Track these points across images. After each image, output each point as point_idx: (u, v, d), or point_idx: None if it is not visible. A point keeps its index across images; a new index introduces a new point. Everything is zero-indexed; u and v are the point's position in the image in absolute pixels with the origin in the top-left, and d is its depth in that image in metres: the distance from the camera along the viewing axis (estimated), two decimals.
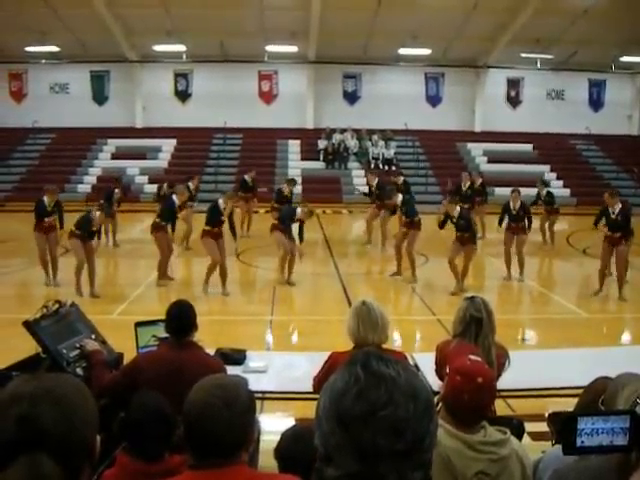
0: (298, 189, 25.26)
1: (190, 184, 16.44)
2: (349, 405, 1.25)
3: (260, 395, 5.30)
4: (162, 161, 26.97)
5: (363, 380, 1.27)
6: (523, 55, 26.98)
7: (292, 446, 2.88)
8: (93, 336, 4.58)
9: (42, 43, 25.46)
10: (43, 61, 27.51)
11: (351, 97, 29.63)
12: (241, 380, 2.48)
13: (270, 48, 26.97)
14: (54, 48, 26.45)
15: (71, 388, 1.48)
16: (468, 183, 17.50)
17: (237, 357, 5.71)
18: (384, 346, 4.18)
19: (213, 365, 3.88)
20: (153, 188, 23.44)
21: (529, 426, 4.35)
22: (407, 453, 1.25)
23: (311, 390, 4.31)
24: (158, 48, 26.77)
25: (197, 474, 2.15)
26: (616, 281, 11.75)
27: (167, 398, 3.25)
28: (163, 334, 4.28)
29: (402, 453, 1.24)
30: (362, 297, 4.44)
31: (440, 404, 2.80)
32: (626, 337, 9.89)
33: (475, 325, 4.32)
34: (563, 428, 1.53)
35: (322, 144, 27.26)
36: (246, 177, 18.56)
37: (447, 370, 2.89)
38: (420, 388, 1.30)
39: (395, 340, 8.38)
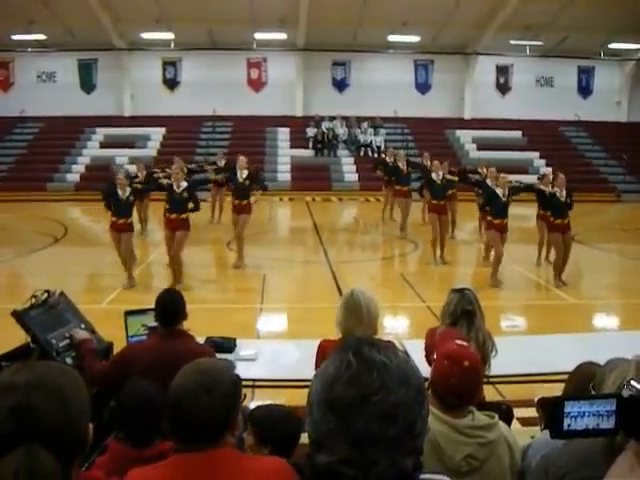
0: (287, 177, 25.36)
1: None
2: (341, 391, 1.26)
3: (251, 383, 5.30)
4: (151, 149, 26.81)
5: (355, 366, 1.28)
6: (512, 42, 26.98)
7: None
8: (82, 325, 4.57)
9: (29, 32, 25.26)
10: (30, 50, 27.26)
11: (340, 84, 29.56)
12: (225, 364, 2.52)
13: (259, 35, 26.85)
14: (41, 36, 26.26)
15: (64, 377, 1.48)
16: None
17: (227, 345, 5.72)
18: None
19: (203, 354, 3.87)
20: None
21: (518, 412, 4.39)
22: (399, 439, 1.26)
23: (301, 377, 4.32)
24: (146, 36, 26.63)
25: (182, 457, 2.17)
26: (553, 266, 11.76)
27: (158, 387, 3.26)
28: (153, 323, 4.28)
29: (394, 439, 1.25)
30: (352, 285, 4.41)
31: (429, 389, 2.82)
32: (613, 323, 9.95)
33: (466, 318, 4.32)
34: (550, 412, 1.55)
35: (311, 132, 27.21)
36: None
37: (435, 355, 2.91)
38: (411, 374, 1.32)
39: (385, 327, 8.40)
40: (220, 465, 2.16)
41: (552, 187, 11.81)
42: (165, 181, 11.69)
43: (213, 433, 2.20)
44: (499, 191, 11.44)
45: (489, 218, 11.62)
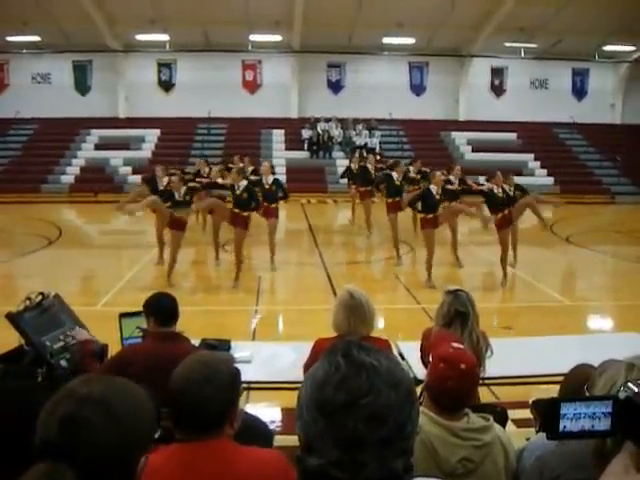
0: (282, 179, 25.33)
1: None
2: (331, 394, 1.26)
3: (246, 385, 5.29)
4: (146, 151, 26.82)
5: (344, 369, 1.28)
6: (507, 44, 27.06)
7: None
8: (77, 327, 4.55)
9: (23, 33, 25.22)
10: (24, 51, 27.23)
11: (335, 86, 29.59)
12: (224, 357, 2.60)
13: (254, 37, 26.88)
14: (35, 38, 26.22)
15: (130, 398, 1.45)
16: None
17: (222, 347, 5.70)
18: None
19: None
20: (137, 179, 23.44)
21: (513, 413, 4.38)
22: (389, 441, 1.26)
23: (297, 380, 4.30)
24: (141, 37, 26.64)
25: (182, 447, 2.23)
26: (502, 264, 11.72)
27: (153, 390, 3.26)
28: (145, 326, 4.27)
29: (384, 441, 1.25)
30: (346, 286, 4.40)
31: (423, 392, 2.82)
32: (608, 324, 9.97)
33: (460, 320, 4.31)
34: (546, 413, 1.55)
35: (306, 134, 27.24)
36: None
37: (430, 358, 2.91)
38: (401, 376, 1.31)
39: (380, 329, 8.40)
40: (219, 455, 2.21)
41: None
42: (228, 181, 11.87)
43: (215, 423, 2.26)
44: (433, 188, 11.50)
45: (421, 215, 11.67)
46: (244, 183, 11.29)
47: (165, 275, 11.13)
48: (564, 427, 1.52)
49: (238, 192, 11.14)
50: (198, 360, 2.41)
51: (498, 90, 30.19)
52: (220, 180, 12.90)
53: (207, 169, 14.81)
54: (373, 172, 16.22)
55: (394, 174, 13.77)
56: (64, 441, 1.33)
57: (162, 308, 4.14)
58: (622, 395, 1.51)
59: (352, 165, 17.68)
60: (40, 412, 1.43)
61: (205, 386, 2.27)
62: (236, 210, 11.14)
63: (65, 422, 1.34)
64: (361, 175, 16.52)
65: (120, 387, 1.48)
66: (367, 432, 1.24)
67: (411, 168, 14.67)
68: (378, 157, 20.72)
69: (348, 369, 1.28)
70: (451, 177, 13.36)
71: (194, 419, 2.25)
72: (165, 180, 12.59)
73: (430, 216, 11.38)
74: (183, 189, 11.17)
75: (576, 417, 1.51)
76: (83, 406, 1.36)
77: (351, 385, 1.26)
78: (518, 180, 17.09)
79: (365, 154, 20.16)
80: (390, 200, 13.47)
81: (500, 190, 11.40)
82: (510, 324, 9.64)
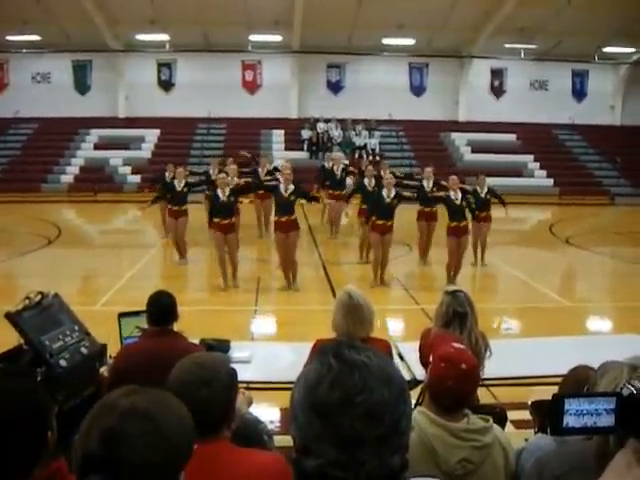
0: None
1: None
2: (325, 394, 1.26)
3: (245, 386, 5.29)
4: (145, 151, 26.80)
5: (336, 368, 1.28)
6: (507, 45, 27.05)
7: None
8: (76, 327, 4.55)
9: (23, 32, 25.19)
10: (24, 50, 27.19)
11: (335, 87, 29.58)
12: (221, 358, 2.56)
13: (254, 38, 26.89)
14: (35, 37, 26.17)
15: (172, 411, 1.44)
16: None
17: (221, 347, 5.71)
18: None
19: (194, 352, 3.88)
20: (136, 179, 23.48)
21: (512, 414, 4.38)
22: (385, 437, 1.26)
23: (295, 380, 4.30)
24: (141, 37, 26.64)
25: None
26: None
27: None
28: (146, 325, 4.28)
29: (381, 438, 1.25)
30: (345, 287, 4.40)
31: (423, 392, 2.81)
32: (607, 326, 9.97)
33: (459, 320, 4.31)
34: (550, 409, 1.55)
35: (306, 134, 27.23)
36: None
37: (431, 358, 2.90)
38: (392, 373, 1.32)
39: (379, 329, 8.39)
40: (217, 457, 2.20)
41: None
42: (273, 183, 11.68)
43: (212, 425, 2.25)
44: (384, 192, 11.48)
45: (373, 219, 11.56)
46: (291, 187, 10.86)
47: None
48: (567, 423, 1.52)
49: (285, 195, 10.82)
50: (194, 362, 2.39)
51: (498, 91, 30.18)
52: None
53: (217, 171, 14.61)
54: (339, 174, 16.48)
55: (365, 180, 13.89)
56: (106, 456, 1.31)
57: (159, 306, 4.14)
58: (625, 392, 1.51)
59: (325, 164, 17.71)
60: (82, 423, 1.40)
61: (202, 388, 2.25)
62: (283, 219, 10.91)
63: (107, 437, 1.32)
64: (328, 178, 16.73)
65: (162, 400, 1.46)
66: (364, 430, 1.24)
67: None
68: (347, 162, 20.58)
69: (340, 368, 1.28)
70: (424, 182, 13.23)
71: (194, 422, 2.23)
72: (182, 181, 12.72)
73: (380, 222, 11.34)
74: (227, 189, 10.88)
75: (579, 413, 1.51)
76: (125, 420, 1.34)
77: (344, 384, 1.26)
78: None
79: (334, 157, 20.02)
80: (364, 206, 13.46)
81: (459, 196, 11.39)
82: (509, 325, 9.66)
